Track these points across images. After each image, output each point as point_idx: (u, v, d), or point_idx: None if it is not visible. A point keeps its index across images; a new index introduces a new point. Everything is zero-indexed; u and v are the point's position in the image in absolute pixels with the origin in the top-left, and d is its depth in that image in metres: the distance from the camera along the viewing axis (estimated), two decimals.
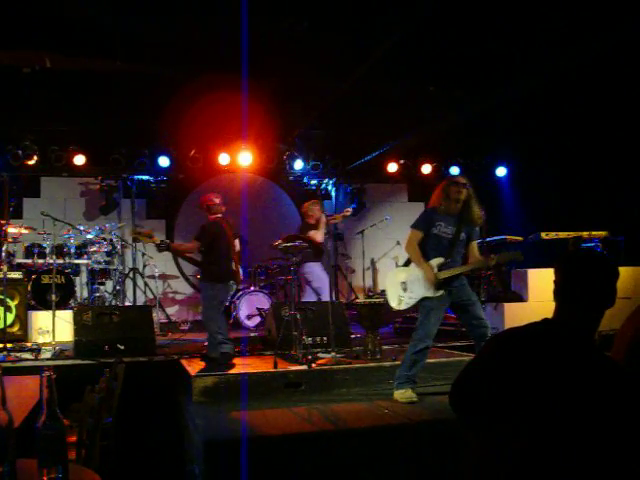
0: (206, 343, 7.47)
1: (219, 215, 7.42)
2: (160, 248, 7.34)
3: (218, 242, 7.23)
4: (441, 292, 5.70)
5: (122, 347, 7.25)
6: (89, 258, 10.20)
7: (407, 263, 5.99)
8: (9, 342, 7.65)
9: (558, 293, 2.41)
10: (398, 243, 13.14)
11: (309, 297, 9.08)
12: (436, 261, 5.71)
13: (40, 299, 9.19)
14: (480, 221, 5.91)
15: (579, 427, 2.11)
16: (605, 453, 2.09)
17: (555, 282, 2.43)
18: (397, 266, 6.31)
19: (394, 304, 5.99)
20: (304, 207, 9.27)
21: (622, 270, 2.45)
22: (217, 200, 7.46)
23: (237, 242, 7.63)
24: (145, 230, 8.22)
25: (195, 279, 11.58)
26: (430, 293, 5.71)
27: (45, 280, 9.28)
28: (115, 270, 10.63)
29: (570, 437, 2.11)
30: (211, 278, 7.22)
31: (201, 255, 7.33)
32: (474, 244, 5.95)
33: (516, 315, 8.42)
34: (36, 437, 2.12)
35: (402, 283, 5.90)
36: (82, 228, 10.10)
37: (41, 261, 9.78)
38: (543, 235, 9.15)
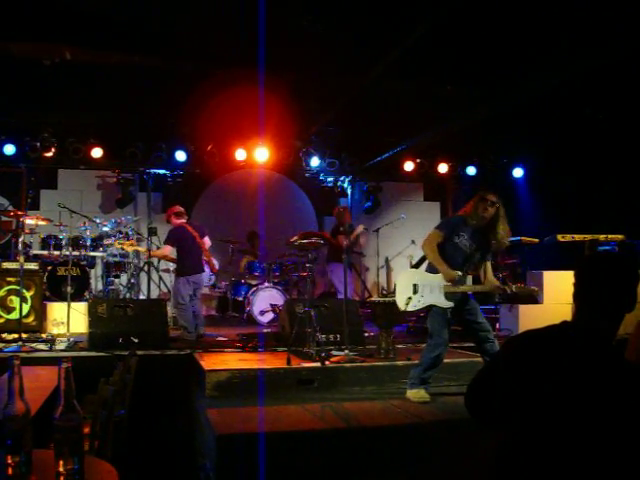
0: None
1: (182, 221, 8.76)
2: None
3: (183, 243, 8.55)
4: (451, 304, 5.67)
5: (136, 340, 7.27)
6: (104, 251, 10.26)
7: (418, 265, 5.95)
8: (24, 333, 7.69)
9: (577, 296, 2.38)
10: (413, 242, 13.13)
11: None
12: (454, 273, 5.65)
13: (55, 290, 9.25)
14: (505, 241, 5.78)
15: (596, 431, 2.10)
16: (621, 456, 2.07)
17: (574, 285, 2.40)
18: (411, 265, 6.28)
19: (401, 304, 5.87)
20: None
21: None
22: (182, 209, 8.92)
23: (207, 239, 8.97)
24: (128, 242, 9.61)
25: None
26: (440, 303, 5.68)
27: (61, 272, 9.35)
28: (130, 263, 10.68)
29: (587, 441, 2.10)
30: (181, 273, 8.58)
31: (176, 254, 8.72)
32: (488, 264, 5.92)
33: (531, 317, 8.39)
34: (53, 428, 2.13)
35: (414, 285, 5.80)
36: (98, 221, 10.17)
37: (57, 253, 9.86)
38: (559, 237, 9.08)
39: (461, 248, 5.70)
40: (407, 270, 6.43)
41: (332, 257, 10.47)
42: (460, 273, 5.65)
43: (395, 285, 6.17)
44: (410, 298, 5.80)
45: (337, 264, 9.76)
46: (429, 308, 5.77)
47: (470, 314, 5.79)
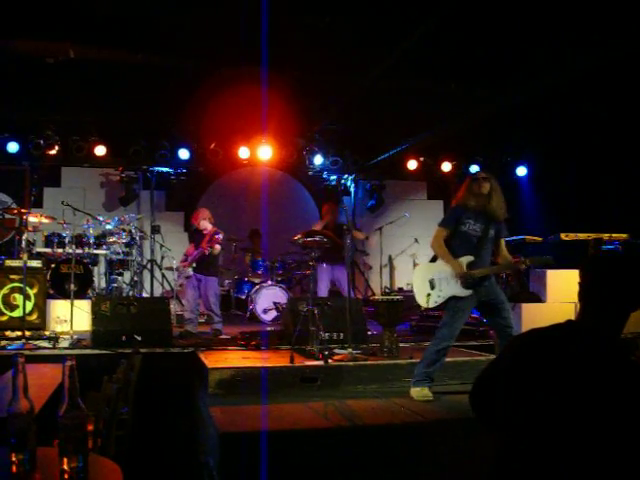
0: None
1: None
2: None
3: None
4: (470, 292, 5.57)
5: (139, 338, 7.28)
6: (108, 248, 10.26)
7: (434, 259, 5.90)
8: (27, 330, 7.69)
9: (582, 295, 2.37)
10: (416, 240, 13.10)
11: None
12: (466, 259, 5.58)
13: (59, 288, 9.25)
14: (502, 212, 5.73)
15: (600, 431, 2.09)
16: (626, 457, 2.07)
17: (580, 284, 2.39)
18: (415, 264, 6.23)
19: (422, 302, 5.79)
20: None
21: None
22: None
23: None
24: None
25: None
26: (459, 292, 5.59)
27: (64, 269, 9.35)
28: (133, 261, 10.68)
29: (591, 441, 2.09)
30: (216, 273, 9.22)
31: (212, 254, 8.90)
32: (502, 242, 5.85)
33: (534, 316, 8.34)
34: (57, 426, 2.13)
35: (430, 280, 5.72)
36: (101, 218, 10.18)
37: (60, 250, 9.86)
38: (563, 236, 9.06)
39: (471, 234, 5.64)
40: (420, 266, 6.35)
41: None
42: (472, 258, 5.59)
43: (412, 284, 6.10)
44: (429, 295, 5.72)
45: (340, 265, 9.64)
46: (449, 300, 5.67)
47: (497, 304, 5.69)
